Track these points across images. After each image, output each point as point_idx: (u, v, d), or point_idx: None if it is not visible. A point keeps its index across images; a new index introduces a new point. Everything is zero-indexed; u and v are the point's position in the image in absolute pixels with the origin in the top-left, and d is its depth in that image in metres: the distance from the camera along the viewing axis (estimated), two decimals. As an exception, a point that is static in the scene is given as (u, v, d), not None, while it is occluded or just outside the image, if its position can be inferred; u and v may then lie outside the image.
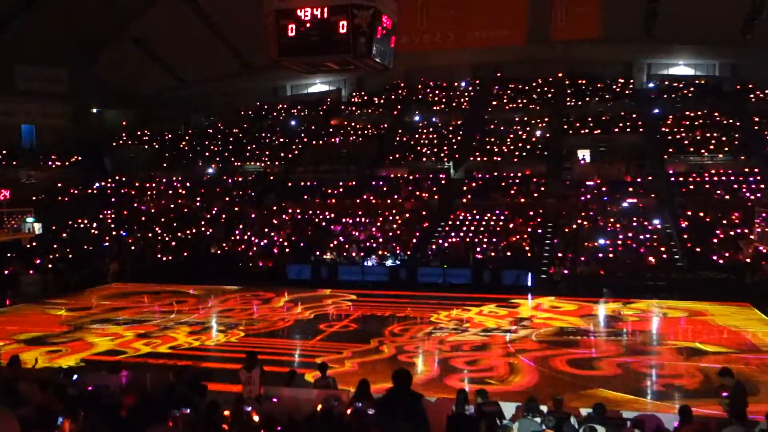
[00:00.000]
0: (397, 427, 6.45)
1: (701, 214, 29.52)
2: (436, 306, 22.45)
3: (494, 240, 29.79)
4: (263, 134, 42.84)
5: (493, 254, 28.68)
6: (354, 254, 29.88)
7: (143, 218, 35.83)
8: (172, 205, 36.81)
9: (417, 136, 39.85)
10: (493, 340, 17.04)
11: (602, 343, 17.37)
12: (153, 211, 36.51)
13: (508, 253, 28.55)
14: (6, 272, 27.86)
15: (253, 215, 34.76)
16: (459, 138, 38.97)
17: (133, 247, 32.59)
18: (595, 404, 9.21)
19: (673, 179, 32.58)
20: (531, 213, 31.43)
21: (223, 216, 35.06)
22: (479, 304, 22.20)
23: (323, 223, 33.30)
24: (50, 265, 29.62)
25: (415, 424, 6.47)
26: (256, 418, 8.48)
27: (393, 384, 6.75)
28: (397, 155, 38.09)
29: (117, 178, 40.66)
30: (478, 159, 36.57)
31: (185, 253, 31.77)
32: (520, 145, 37.22)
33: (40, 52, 38.30)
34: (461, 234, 30.68)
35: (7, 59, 38.56)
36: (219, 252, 31.77)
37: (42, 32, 36.65)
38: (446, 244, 30.01)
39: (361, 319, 20.61)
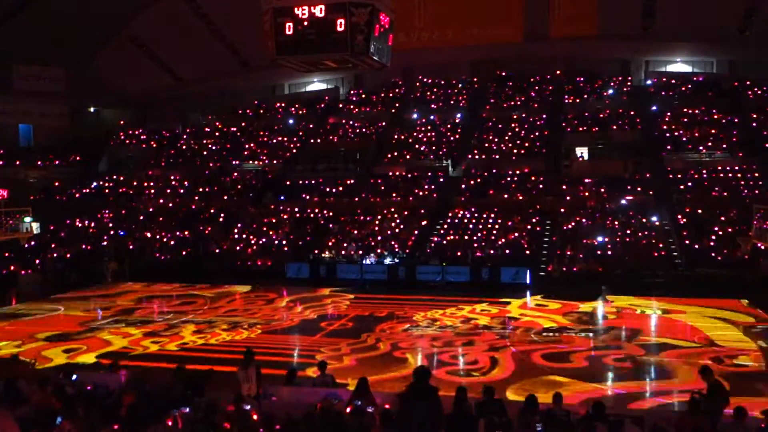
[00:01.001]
0: (417, 415, 7.50)
1: (699, 211, 29.55)
2: (434, 305, 22.92)
3: (492, 238, 29.82)
4: (261, 133, 42.82)
5: (491, 252, 28.72)
6: (352, 253, 29.89)
7: (141, 217, 35.81)
8: (171, 204, 36.78)
9: (415, 134, 39.84)
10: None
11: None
12: (151, 210, 36.49)
13: (507, 251, 28.58)
14: (5, 272, 27.85)
15: (250, 212, 34.75)
16: (457, 136, 38.96)
17: (131, 246, 32.57)
18: (595, 402, 9.21)
19: (671, 176, 32.60)
20: (529, 211, 31.46)
21: (222, 215, 35.04)
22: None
23: (322, 222, 33.30)
24: (50, 265, 29.58)
25: (432, 411, 7.59)
26: (255, 416, 8.47)
27: (414, 379, 7.85)
28: (396, 153, 38.09)
29: (114, 177, 40.62)
30: (477, 157, 36.60)
31: (184, 252, 31.77)
32: (518, 142, 37.24)
33: (38, 51, 38.26)
34: (460, 232, 30.70)
35: (5, 59, 38.52)
36: (218, 251, 31.76)
37: (40, 32, 36.61)
38: (445, 242, 30.03)
39: (356, 318, 21.47)
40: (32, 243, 31.84)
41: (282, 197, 35.77)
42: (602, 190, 32.22)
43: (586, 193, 32.27)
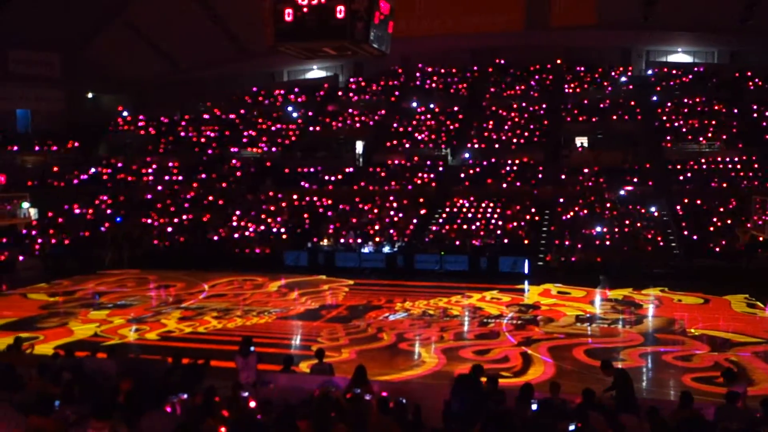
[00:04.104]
0: (460, 401, 8.60)
1: (698, 202, 29.58)
2: (430, 293, 22.99)
3: (491, 227, 29.81)
4: (260, 120, 42.65)
5: (490, 241, 28.71)
6: (351, 241, 29.89)
7: (139, 204, 35.69)
8: (168, 191, 36.67)
9: (414, 122, 39.71)
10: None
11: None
12: (149, 197, 36.39)
13: (505, 240, 28.59)
14: (2, 258, 27.82)
15: (248, 200, 34.69)
16: (457, 125, 38.85)
17: (129, 233, 32.50)
18: (584, 389, 9.21)
19: (670, 167, 32.58)
20: (528, 200, 31.43)
21: (221, 202, 34.96)
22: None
23: (320, 210, 33.27)
24: (47, 251, 29.56)
25: (476, 399, 8.69)
26: (252, 404, 8.49)
27: (469, 372, 9.38)
28: (395, 142, 37.99)
29: (112, 163, 40.44)
30: (476, 146, 36.52)
31: (182, 239, 31.73)
32: (518, 132, 37.15)
33: (34, 36, 37.96)
34: (458, 221, 30.69)
35: (1, 43, 38.24)
36: (216, 238, 31.73)
37: (36, 16, 36.33)
38: (443, 231, 30.02)
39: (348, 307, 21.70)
40: (33, 229, 31.77)
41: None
42: (601, 180, 32.18)
43: (588, 183, 32.21)
